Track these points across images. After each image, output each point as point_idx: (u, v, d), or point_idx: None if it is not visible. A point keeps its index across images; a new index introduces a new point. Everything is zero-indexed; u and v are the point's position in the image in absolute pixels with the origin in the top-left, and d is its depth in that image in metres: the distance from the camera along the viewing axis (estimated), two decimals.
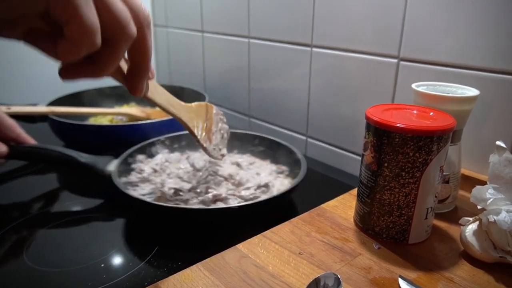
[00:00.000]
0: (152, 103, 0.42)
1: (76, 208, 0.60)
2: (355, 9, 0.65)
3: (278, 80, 0.84)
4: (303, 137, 0.82)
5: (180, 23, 1.11)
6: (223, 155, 0.59)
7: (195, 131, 0.52)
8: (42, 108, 0.79)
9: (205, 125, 0.55)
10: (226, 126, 0.61)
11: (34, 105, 0.82)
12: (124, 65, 0.35)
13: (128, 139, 0.70)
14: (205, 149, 0.55)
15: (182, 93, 0.94)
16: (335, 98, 0.72)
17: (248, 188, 0.57)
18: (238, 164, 0.65)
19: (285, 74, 0.82)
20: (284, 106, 0.84)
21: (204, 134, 0.54)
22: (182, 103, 0.50)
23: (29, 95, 1.06)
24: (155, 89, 0.42)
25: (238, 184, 0.58)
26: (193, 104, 0.54)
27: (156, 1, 1.18)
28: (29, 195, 0.63)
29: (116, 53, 0.29)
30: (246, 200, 0.55)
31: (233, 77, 0.97)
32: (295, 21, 0.76)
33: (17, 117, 0.85)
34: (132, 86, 0.35)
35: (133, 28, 0.29)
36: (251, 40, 0.88)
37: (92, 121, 0.87)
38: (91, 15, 0.26)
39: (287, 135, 0.85)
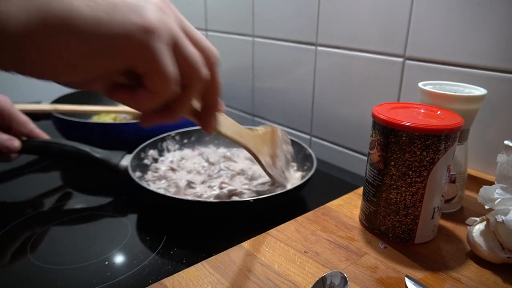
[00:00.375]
0: (221, 135, 0.42)
1: (81, 205, 0.59)
2: (360, 8, 0.65)
3: (282, 79, 0.84)
4: (307, 136, 0.81)
5: None
6: (286, 179, 0.59)
7: (261, 159, 0.53)
8: (45, 106, 0.79)
9: (270, 150, 0.56)
10: (290, 149, 0.62)
11: (38, 103, 0.82)
12: (195, 104, 0.34)
13: (132, 137, 0.70)
14: (271, 177, 0.55)
15: None
16: (340, 97, 0.72)
17: (263, 184, 0.58)
18: (251, 160, 0.66)
19: (290, 73, 0.81)
20: (288, 105, 0.84)
21: (269, 159, 0.55)
22: (249, 131, 0.51)
23: (32, 93, 1.06)
24: (224, 122, 0.42)
25: (251, 178, 0.59)
26: (260, 130, 0.55)
27: None
28: (35, 192, 0.63)
29: (190, 96, 0.30)
30: (260, 195, 0.55)
31: (237, 76, 0.96)
32: (300, 19, 0.76)
33: None
34: (205, 124, 0.35)
35: (206, 71, 0.30)
36: (256, 39, 0.87)
37: (95, 119, 0.87)
38: (172, 65, 0.26)
39: (291, 134, 0.85)
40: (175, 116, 0.30)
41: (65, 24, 0.23)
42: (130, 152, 0.63)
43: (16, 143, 0.60)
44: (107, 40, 0.24)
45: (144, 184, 0.55)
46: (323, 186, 0.66)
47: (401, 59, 0.61)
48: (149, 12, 0.25)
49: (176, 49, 0.27)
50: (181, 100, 0.29)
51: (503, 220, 0.38)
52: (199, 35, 0.31)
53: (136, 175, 0.59)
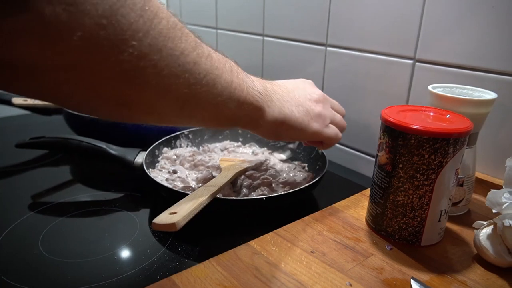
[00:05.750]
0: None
1: (92, 200, 0.60)
2: (371, 9, 0.65)
3: (291, 78, 0.84)
4: None
5: (194, 19, 1.12)
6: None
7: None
8: None
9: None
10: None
11: None
12: None
13: (142, 133, 0.72)
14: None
15: None
16: (349, 98, 0.72)
17: (277, 183, 0.60)
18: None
19: (299, 73, 0.82)
20: None
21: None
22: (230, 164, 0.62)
23: None
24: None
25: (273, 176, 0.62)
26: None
27: None
28: (46, 186, 0.64)
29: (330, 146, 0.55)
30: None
31: None
32: (310, 20, 0.76)
33: (32, 109, 0.87)
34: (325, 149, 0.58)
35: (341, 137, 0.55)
36: (266, 38, 0.88)
37: None
38: (334, 133, 0.53)
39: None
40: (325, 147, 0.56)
41: (289, 123, 0.46)
42: (140, 147, 0.64)
43: None
44: (305, 132, 0.48)
45: (158, 180, 0.56)
46: (330, 186, 0.67)
47: (411, 61, 0.61)
48: (324, 119, 0.51)
49: (334, 122, 0.53)
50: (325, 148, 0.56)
51: (510, 225, 0.38)
52: (337, 105, 0.57)
53: (150, 171, 0.60)
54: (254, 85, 0.42)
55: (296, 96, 0.49)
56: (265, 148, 0.74)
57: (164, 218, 0.40)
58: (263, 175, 0.60)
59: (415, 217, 0.42)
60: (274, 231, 0.45)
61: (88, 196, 0.62)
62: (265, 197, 0.51)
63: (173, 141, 0.71)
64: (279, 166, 0.67)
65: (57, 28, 0.22)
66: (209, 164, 0.64)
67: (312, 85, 0.53)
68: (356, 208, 0.51)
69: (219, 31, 1.02)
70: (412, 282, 0.37)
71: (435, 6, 0.57)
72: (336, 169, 0.74)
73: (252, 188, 0.58)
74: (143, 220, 0.55)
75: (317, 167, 0.65)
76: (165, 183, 0.56)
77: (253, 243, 0.43)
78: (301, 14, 0.77)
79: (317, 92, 0.51)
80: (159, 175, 0.62)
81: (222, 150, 0.72)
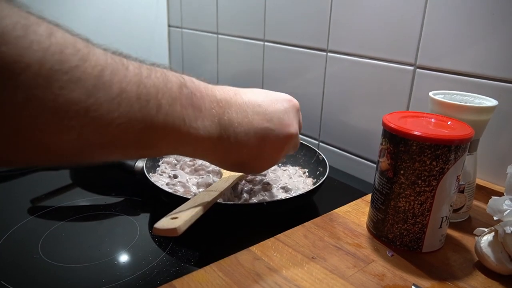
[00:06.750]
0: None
1: (92, 204, 0.60)
2: (372, 15, 0.65)
3: (292, 84, 0.84)
4: (316, 141, 0.82)
5: (195, 24, 1.12)
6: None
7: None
8: None
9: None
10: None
11: None
12: None
13: None
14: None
15: None
16: (349, 104, 0.72)
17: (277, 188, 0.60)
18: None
19: (299, 78, 0.82)
20: None
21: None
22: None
23: None
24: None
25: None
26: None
27: (172, 2, 1.19)
28: (45, 190, 0.64)
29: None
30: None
31: (247, 80, 0.97)
32: (311, 25, 0.76)
33: None
34: None
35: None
36: (266, 44, 0.88)
37: None
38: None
39: (300, 138, 0.85)
40: None
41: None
42: None
43: None
44: (275, 138, 0.43)
45: (158, 185, 0.56)
46: (330, 192, 0.67)
47: (411, 68, 0.61)
48: (294, 125, 0.46)
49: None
50: None
51: (511, 232, 0.38)
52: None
53: (150, 176, 0.59)
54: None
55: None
56: None
57: (165, 223, 0.40)
58: (264, 180, 0.60)
59: (416, 223, 0.42)
60: (275, 236, 0.45)
61: (88, 201, 0.62)
62: (266, 202, 0.51)
63: None
64: (280, 171, 0.67)
65: None
66: (210, 168, 0.64)
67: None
68: (357, 214, 0.51)
69: (220, 36, 1.02)
70: None
71: (436, 13, 0.57)
72: (337, 175, 0.74)
73: (253, 193, 0.58)
74: (143, 225, 0.54)
75: (318, 172, 0.65)
76: (165, 188, 0.56)
77: (254, 248, 0.42)
78: (302, 19, 0.78)
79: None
80: (159, 179, 0.62)
81: None
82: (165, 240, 0.50)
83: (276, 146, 0.43)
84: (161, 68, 0.33)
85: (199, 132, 0.35)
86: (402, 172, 0.41)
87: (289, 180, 0.63)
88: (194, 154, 0.39)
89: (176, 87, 0.33)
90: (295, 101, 0.48)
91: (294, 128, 0.45)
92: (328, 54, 0.74)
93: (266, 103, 0.43)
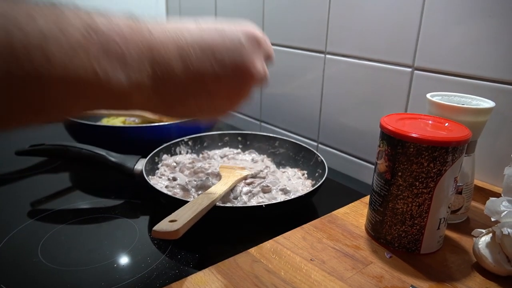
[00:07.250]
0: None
1: (91, 207, 0.60)
2: (370, 17, 0.65)
3: (290, 86, 0.85)
4: (315, 143, 0.82)
5: None
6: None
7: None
8: None
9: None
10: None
11: None
12: None
13: (141, 141, 0.72)
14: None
15: None
16: (348, 105, 0.73)
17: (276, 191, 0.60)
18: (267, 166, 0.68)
19: (298, 80, 0.82)
20: (296, 111, 0.85)
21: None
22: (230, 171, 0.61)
23: None
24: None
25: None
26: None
27: (170, 3, 1.20)
28: (45, 193, 0.64)
29: None
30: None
31: None
32: (309, 27, 0.76)
33: None
34: None
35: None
36: None
37: (105, 122, 0.88)
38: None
39: (299, 140, 0.85)
40: None
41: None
42: (139, 155, 0.64)
43: None
44: (230, 84, 0.36)
45: (158, 187, 0.56)
46: (329, 194, 0.67)
47: (409, 69, 0.62)
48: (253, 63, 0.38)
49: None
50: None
51: (509, 233, 0.38)
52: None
53: (150, 178, 0.60)
54: None
55: None
56: (265, 156, 0.75)
57: (164, 225, 0.40)
58: (263, 182, 0.61)
59: (414, 225, 0.42)
60: (273, 238, 0.45)
61: (88, 203, 0.62)
62: (264, 205, 0.51)
63: (172, 148, 0.72)
64: (279, 173, 0.67)
65: None
66: (209, 171, 0.64)
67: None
68: (356, 216, 0.51)
69: None
70: None
71: (433, 14, 0.57)
72: (335, 176, 0.74)
73: (252, 195, 0.58)
74: (142, 228, 0.55)
75: (317, 174, 0.66)
76: (164, 190, 0.56)
77: (252, 251, 0.43)
78: (301, 21, 0.78)
79: None
80: (158, 182, 0.62)
81: (221, 157, 0.72)
82: (164, 242, 0.51)
83: (232, 92, 0.36)
84: (61, 7, 0.26)
85: (123, 85, 0.28)
86: (399, 174, 0.41)
87: (288, 182, 0.63)
88: (124, 107, 0.31)
89: (78, 33, 0.26)
90: (254, 31, 0.39)
91: (254, 68, 0.37)
92: (327, 56, 0.74)
93: (217, 42, 0.35)
